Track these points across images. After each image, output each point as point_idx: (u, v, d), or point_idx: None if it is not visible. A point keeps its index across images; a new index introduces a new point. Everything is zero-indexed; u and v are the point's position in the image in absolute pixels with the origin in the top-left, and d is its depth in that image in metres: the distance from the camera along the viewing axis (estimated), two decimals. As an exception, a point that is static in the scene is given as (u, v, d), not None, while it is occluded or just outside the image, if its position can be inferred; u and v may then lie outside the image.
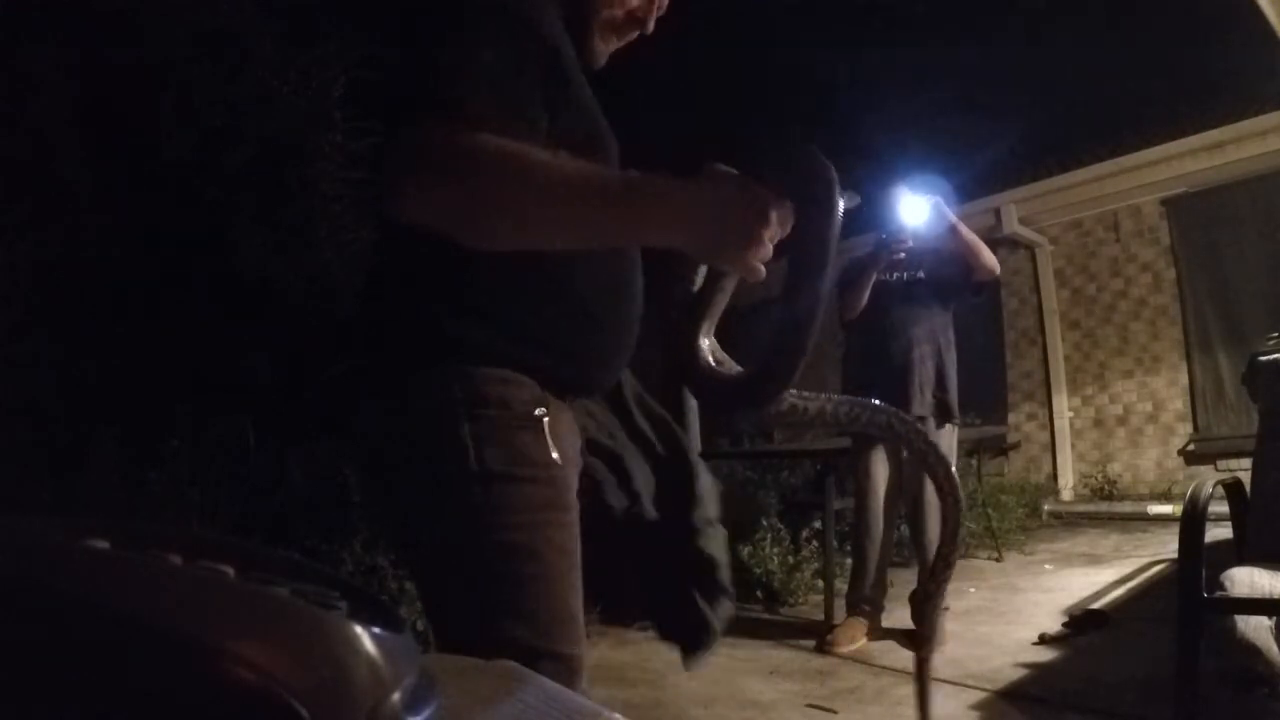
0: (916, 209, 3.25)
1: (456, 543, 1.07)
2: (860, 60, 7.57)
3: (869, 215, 3.56)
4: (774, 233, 0.92)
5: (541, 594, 1.06)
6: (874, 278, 3.30)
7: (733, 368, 1.08)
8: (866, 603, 3.37)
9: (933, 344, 3.37)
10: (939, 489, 1.13)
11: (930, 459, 1.14)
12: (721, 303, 1.07)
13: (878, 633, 3.35)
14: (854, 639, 3.26)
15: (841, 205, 0.88)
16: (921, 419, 3.30)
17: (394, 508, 1.15)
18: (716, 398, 1.08)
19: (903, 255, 3.25)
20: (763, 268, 0.93)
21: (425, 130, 0.94)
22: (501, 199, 0.93)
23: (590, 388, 1.19)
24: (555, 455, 1.08)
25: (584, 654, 1.10)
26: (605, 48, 1.22)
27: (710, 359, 1.06)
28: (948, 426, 3.39)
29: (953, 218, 3.28)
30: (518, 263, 1.06)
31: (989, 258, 3.30)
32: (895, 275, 3.42)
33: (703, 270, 1.08)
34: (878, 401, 1.12)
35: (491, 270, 1.07)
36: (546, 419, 1.08)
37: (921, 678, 1.18)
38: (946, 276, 3.39)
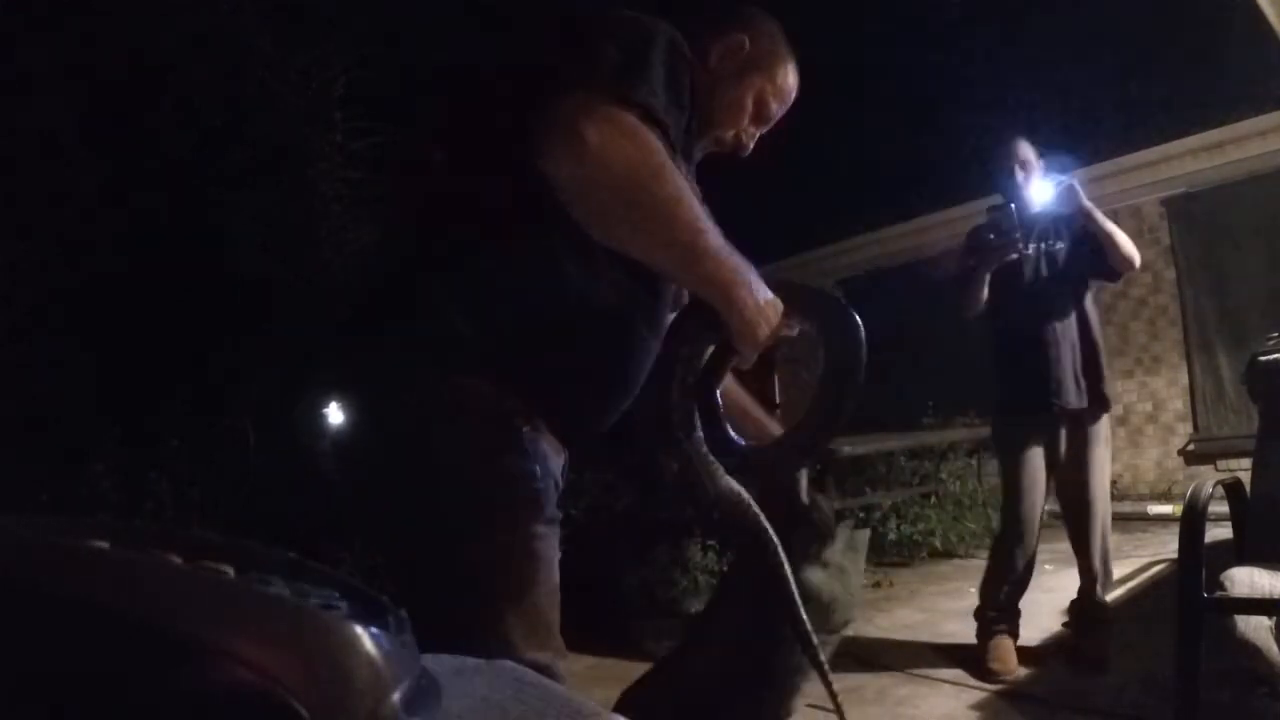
0: (1041, 189, 2.94)
1: (432, 551, 1.07)
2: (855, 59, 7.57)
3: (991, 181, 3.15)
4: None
5: (517, 604, 1.05)
6: (986, 280, 2.94)
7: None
8: (1006, 616, 3.01)
9: (1081, 323, 3.00)
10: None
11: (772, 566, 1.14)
12: (724, 376, 1.19)
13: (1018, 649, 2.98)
14: (1012, 653, 2.92)
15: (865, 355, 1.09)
16: (1083, 411, 2.94)
17: (376, 510, 1.15)
18: (739, 457, 1.18)
19: (1015, 256, 2.90)
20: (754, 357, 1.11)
21: (613, 104, 0.97)
22: (651, 188, 0.98)
23: (569, 425, 1.16)
24: (536, 467, 1.07)
25: (561, 665, 1.09)
26: (702, 152, 1.29)
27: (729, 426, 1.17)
28: (1104, 419, 3.01)
29: (1086, 202, 2.92)
30: (526, 283, 1.08)
31: (1128, 247, 2.93)
32: (1031, 247, 3.01)
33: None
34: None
35: (496, 285, 1.08)
36: (527, 430, 1.08)
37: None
38: (1085, 255, 3.00)
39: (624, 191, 0.97)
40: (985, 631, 2.99)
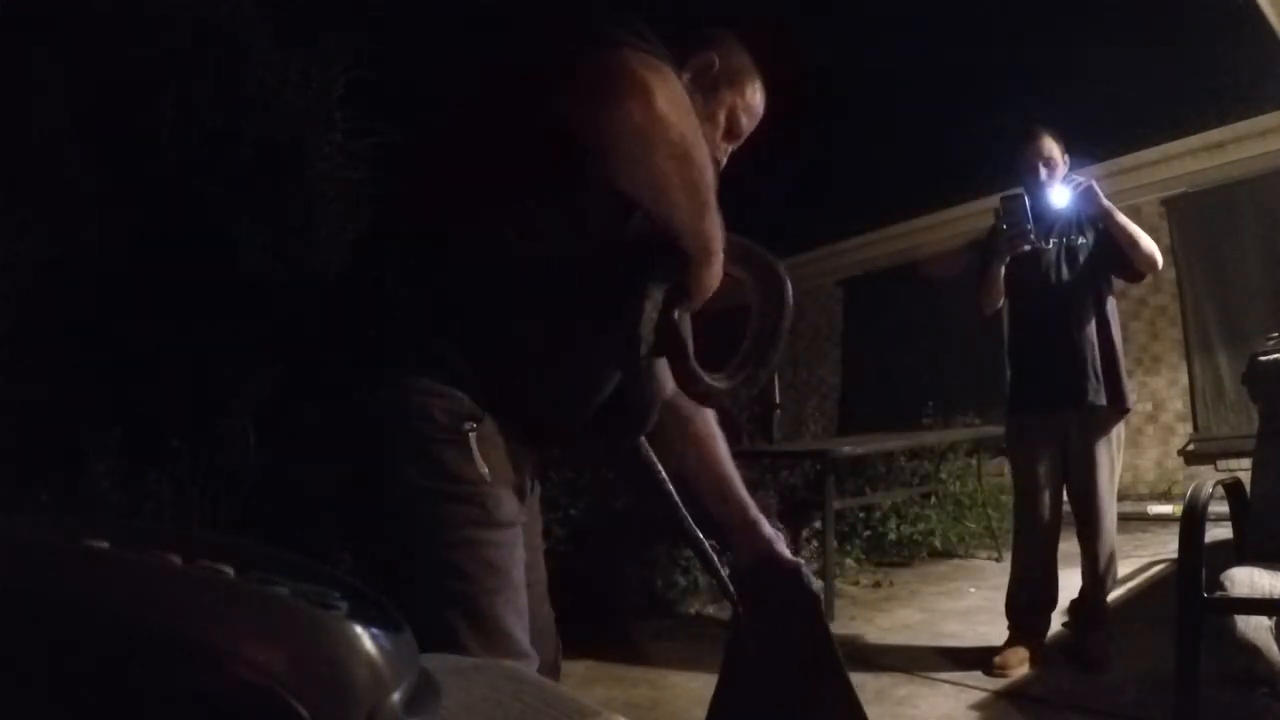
0: (1060, 190, 2.93)
1: (384, 556, 1.08)
2: (856, 56, 7.57)
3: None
4: None
5: (469, 611, 1.04)
6: (1000, 272, 2.94)
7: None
8: (1025, 620, 3.03)
9: (1101, 323, 2.97)
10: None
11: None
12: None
13: (1040, 652, 2.99)
14: (1023, 660, 2.93)
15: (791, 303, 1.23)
16: (1097, 411, 2.92)
17: (335, 512, 1.18)
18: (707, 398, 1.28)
19: (1027, 248, 2.87)
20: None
21: (651, 60, 1.01)
22: (693, 145, 1.03)
23: (533, 426, 1.17)
24: (484, 471, 1.06)
25: (531, 669, 1.06)
26: None
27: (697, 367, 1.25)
28: (1119, 420, 2.98)
29: (1106, 202, 2.90)
30: (485, 285, 1.08)
31: (1150, 247, 2.91)
32: (1051, 243, 2.99)
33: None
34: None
35: (454, 286, 1.08)
36: (474, 434, 1.06)
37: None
38: (1107, 254, 2.98)
39: (676, 145, 1.01)
40: (1009, 639, 3.01)
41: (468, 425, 1.06)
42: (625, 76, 0.98)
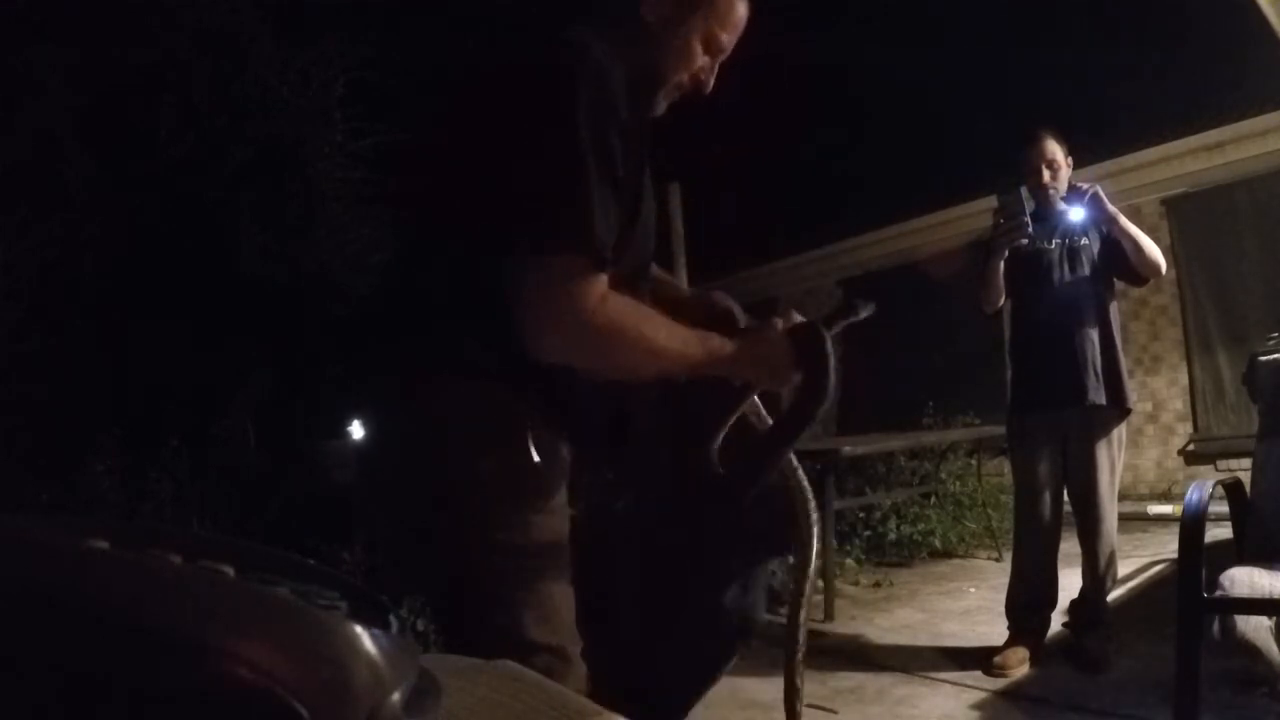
0: (1067, 197, 2.94)
1: (448, 542, 1.14)
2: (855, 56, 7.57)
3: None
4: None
5: (529, 589, 1.12)
6: (999, 268, 2.92)
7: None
8: (1025, 620, 3.04)
9: (1103, 324, 2.98)
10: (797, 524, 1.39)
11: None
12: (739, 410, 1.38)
13: (1040, 652, 2.99)
14: (1023, 660, 2.92)
15: (833, 380, 1.27)
16: (1098, 411, 2.93)
17: (391, 508, 1.22)
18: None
19: (1025, 242, 2.87)
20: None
21: (572, 277, 1.07)
22: (630, 358, 1.15)
23: (574, 425, 1.25)
24: (537, 459, 1.14)
25: (576, 648, 1.15)
26: (665, 102, 1.34)
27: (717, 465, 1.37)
28: (1121, 421, 3.00)
29: (1111, 208, 2.89)
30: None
31: (1154, 253, 2.91)
32: (1053, 242, 2.99)
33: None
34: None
35: (500, 298, 1.12)
36: (533, 427, 1.15)
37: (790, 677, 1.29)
38: (1111, 257, 2.98)
39: (618, 367, 1.15)
40: (1009, 639, 3.01)
41: (529, 422, 1.15)
42: (544, 335, 1.07)
